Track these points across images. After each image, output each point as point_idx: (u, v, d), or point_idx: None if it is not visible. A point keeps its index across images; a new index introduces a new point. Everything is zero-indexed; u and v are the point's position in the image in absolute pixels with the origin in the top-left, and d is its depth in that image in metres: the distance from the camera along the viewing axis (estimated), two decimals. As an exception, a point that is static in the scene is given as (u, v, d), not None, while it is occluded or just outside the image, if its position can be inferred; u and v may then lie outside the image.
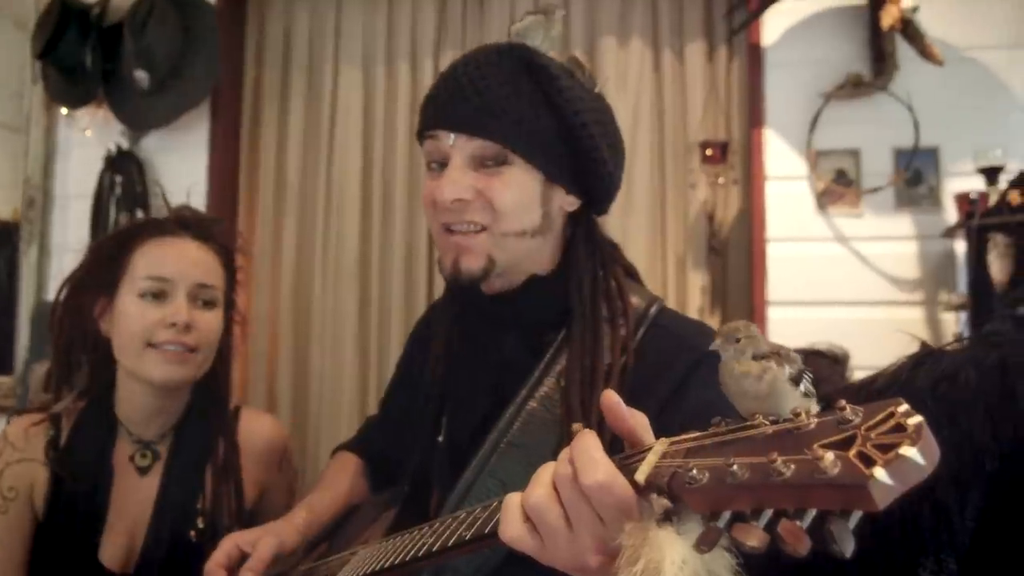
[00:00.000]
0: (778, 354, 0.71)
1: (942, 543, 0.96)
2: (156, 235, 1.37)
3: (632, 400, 0.99)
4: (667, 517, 0.60)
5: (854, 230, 2.36)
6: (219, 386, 1.47)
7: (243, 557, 1.17)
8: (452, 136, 1.07)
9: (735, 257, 2.54)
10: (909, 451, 0.47)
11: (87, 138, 2.77)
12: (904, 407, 0.51)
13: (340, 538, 1.30)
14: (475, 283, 1.09)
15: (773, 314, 2.38)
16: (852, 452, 0.48)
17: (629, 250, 2.53)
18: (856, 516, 0.49)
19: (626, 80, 2.65)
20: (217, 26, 2.64)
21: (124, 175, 2.67)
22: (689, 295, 2.56)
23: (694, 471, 0.57)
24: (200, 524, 1.37)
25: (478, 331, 1.18)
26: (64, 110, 2.77)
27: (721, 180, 2.52)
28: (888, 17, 2.06)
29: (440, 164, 1.09)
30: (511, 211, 1.07)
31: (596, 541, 0.64)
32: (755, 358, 0.70)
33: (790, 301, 2.37)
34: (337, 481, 1.38)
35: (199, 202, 2.69)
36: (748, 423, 0.61)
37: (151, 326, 1.31)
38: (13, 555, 1.34)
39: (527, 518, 0.67)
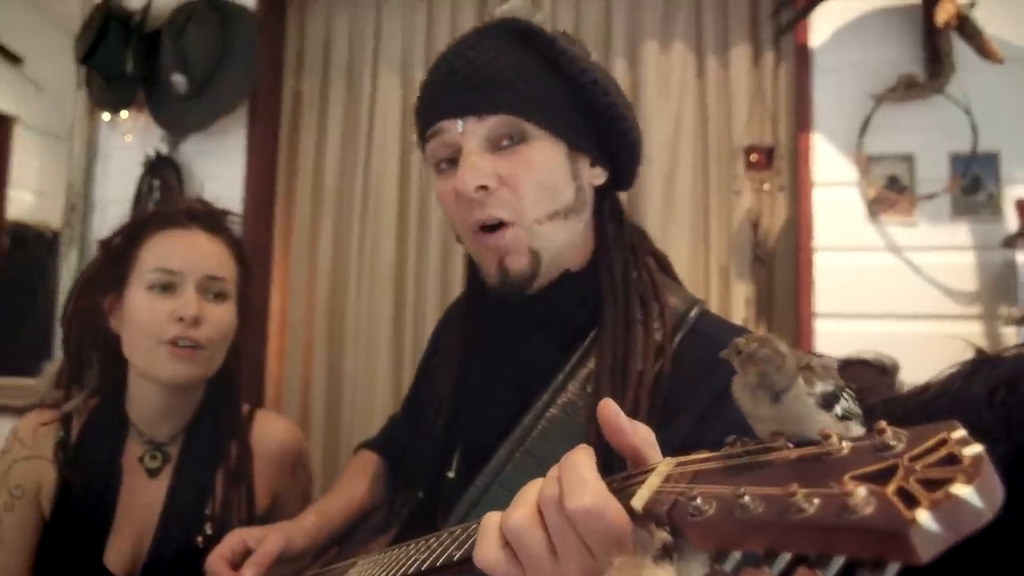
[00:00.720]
0: (809, 368, 0.62)
1: (995, 573, 0.87)
2: (165, 227, 1.34)
3: (666, 409, 0.92)
4: (666, 553, 0.52)
5: (907, 239, 2.24)
6: (232, 385, 1.43)
7: (247, 553, 1.12)
8: (459, 123, 0.98)
9: (781, 267, 2.44)
10: (963, 490, 0.38)
11: (128, 143, 2.78)
12: (959, 433, 0.41)
13: (351, 543, 1.25)
14: (527, 284, 1.00)
15: (821, 327, 2.27)
16: (891, 488, 0.40)
17: (670, 259, 2.46)
18: (893, 568, 0.40)
19: (668, 85, 2.57)
20: (255, 31, 2.64)
21: (163, 180, 2.68)
22: (733, 306, 2.47)
23: (698, 500, 0.49)
24: (208, 530, 1.33)
25: (501, 334, 1.11)
26: (106, 116, 2.79)
27: (766, 187, 2.43)
28: (943, 13, 1.95)
29: (450, 161, 1.01)
30: (539, 193, 0.98)
31: (584, 574, 0.56)
32: (781, 373, 0.62)
33: (839, 313, 2.26)
34: (353, 484, 1.32)
35: (235, 207, 2.68)
36: (768, 445, 0.52)
37: (160, 320, 1.28)
38: (19, 554, 1.31)
39: (507, 542, 0.60)
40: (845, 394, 0.61)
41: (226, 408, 1.42)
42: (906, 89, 2.19)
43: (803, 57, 2.35)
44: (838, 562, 0.41)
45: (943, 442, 0.41)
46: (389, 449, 1.38)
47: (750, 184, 2.45)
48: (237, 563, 1.12)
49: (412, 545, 0.83)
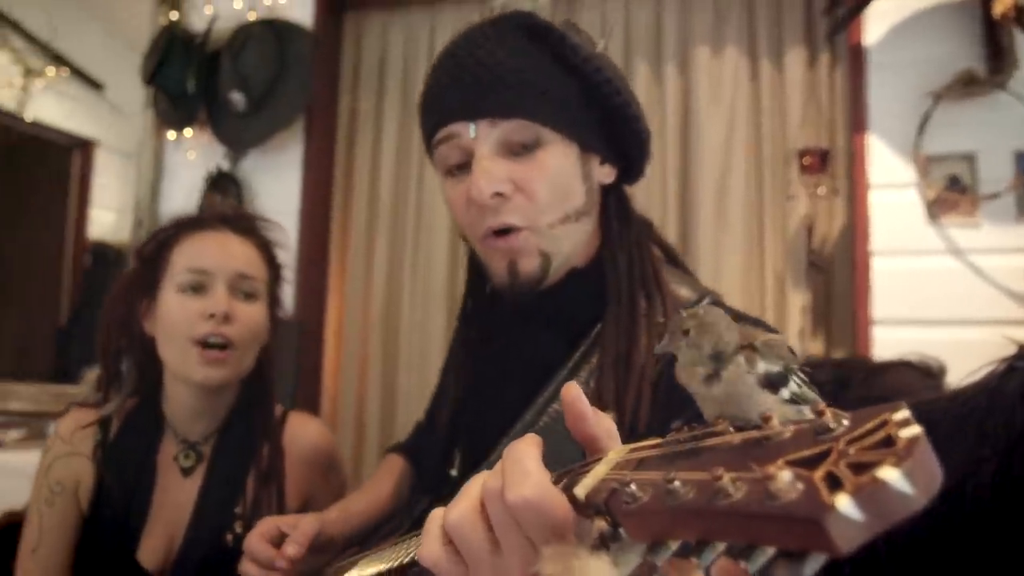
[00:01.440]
0: (752, 347, 0.58)
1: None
2: (195, 230, 1.37)
3: (670, 403, 0.90)
4: (603, 543, 0.49)
5: (970, 241, 2.14)
6: (264, 386, 1.45)
7: (281, 539, 1.11)
8: (472, 127, 0.94)
9: (838, 273, 2.36)
10: (889, 474, 0.34)
11: (191, 160, 2.87)
12: (902, 414, 0.38)
13: (372, 543, 1.25)
14: (536, 285, 0.99)
15: (879, 334, 2.18)
16: (820, 472, 0.36)
17: (724, 268, 2.41)
18: (813, 562, 0.37)
19: (720, 90, 2.54)
20: (311, 49, 2.71)
21: (223, 195, 2.76)
22: (789, 315, 2.40)
23: (633, 487, 0.46)
24: (238, 529, 1.34)
25: (507, 332, 1.09)
26: (171, 134, 2.89)
27: (820, 190, 2.36)
28: (1000, 6, 1.87)
29: (460, 167, 0.98)
30: (553, 198, 0.96)
31: (527, 569, 0.53)
32: (718, 352, 0.60)
33: (898, 320, 2.17)
34: (379, 486, 1.32)
35: (292, 221, 2.75)
36: (712, 429, 0.50)
37: (191, 319, 1.30)
38: (58, 548, 1.34)
39: (449, 539, 0.56)
40: (795, 377, 0.58)
41: (258, 409, 1.44)
42: (965, 86, 2.10)
43: (857, 56, 2.28)
44: (765, 553, 0.38)
45: (884, 423, 0.38)
46: (414, 452, 1.38)
47: (804, 188, 2.39)
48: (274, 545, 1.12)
49: (407, 540, 0.83)
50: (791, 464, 0.38)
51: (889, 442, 0.36)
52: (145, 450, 1.38)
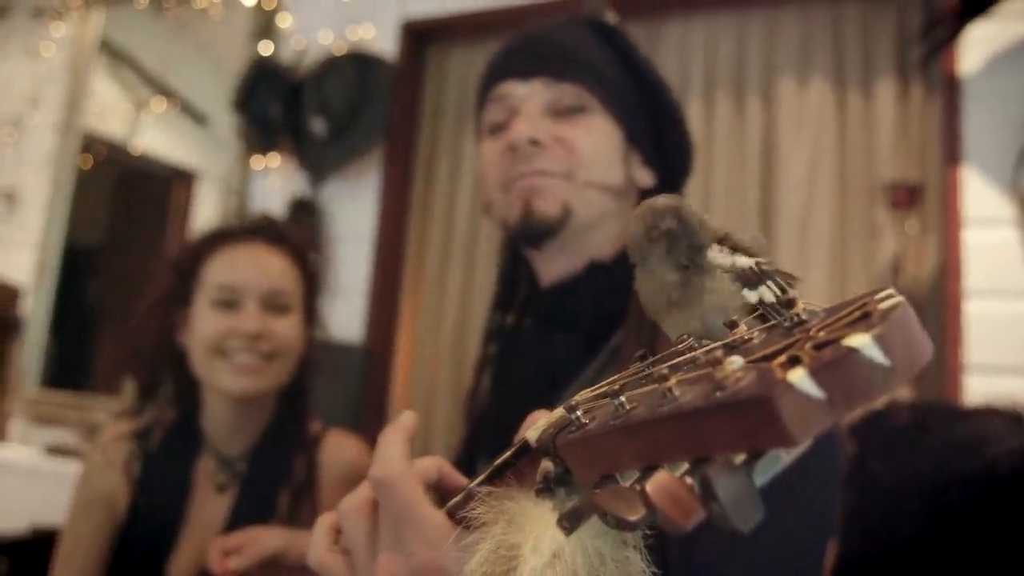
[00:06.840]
0: (728, 238, 0.52)
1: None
2: (227, 243, 1.36)
3: None
4: (547, 486, 0.44)
5: (1074, 285, 1.96)
6: (301, 399, 1.43)
7: None
8: (525, 86, 0.97)
9: (928, 317, 2.19)
10: (856, 339, 0.29)
11: (275, 186, 2.94)
12: (887, 293, 0.32)
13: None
14: (549, 232, 0.95)
15: (972, 383, 2.01)
16: (780, 358, 0.31)
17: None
18: (769, 465, 0.31)
19: (804, 122, 2.42)
20: (392, 80, 2.76)
21: (302, 221, 2.81)
22: (874, 360, 2.23)
23: (579, 412, 0.42)
24: None
25: (528, 338, 1.05)
26: (257, 160, 2.97)
27: (909, 227, 2.21)
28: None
29: (504, 126, 0.99)
30: (594, 157, 0.96)
31: (381, 557, 0.53)
32: (694, 246, 0.53)
33: (992, 368, 2.00)
34: None
35: (366, 248, 2.77)
36: (675, 349, 0.44)
37: (221, 335, 1.30)
38: (91, 557, 1.33)
39: (336, 538, 0.57)
40: (770, 281, 0.50)
41: (294, 423, 1.42)
42: (1070, 115, 1.94)
43: (952, 85, 2.14)
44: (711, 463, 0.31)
45: (864, 305, 0.32)
46: None
47: (892, 226, 2.24)
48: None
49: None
50: (753, 362, 0.32)
51: (865, 316, 0.31)
52: (182, 466, 1.37)
